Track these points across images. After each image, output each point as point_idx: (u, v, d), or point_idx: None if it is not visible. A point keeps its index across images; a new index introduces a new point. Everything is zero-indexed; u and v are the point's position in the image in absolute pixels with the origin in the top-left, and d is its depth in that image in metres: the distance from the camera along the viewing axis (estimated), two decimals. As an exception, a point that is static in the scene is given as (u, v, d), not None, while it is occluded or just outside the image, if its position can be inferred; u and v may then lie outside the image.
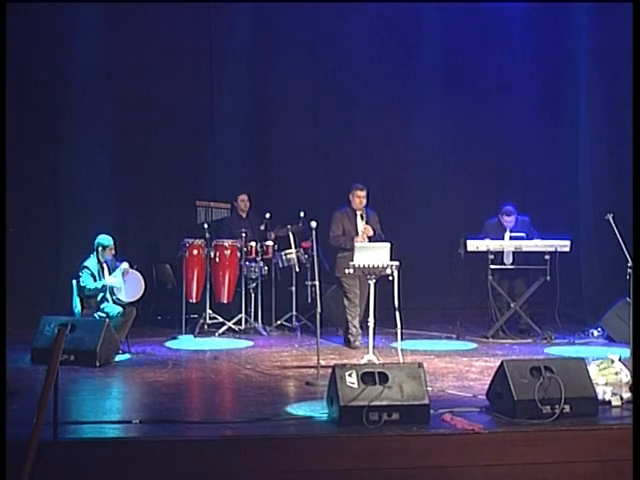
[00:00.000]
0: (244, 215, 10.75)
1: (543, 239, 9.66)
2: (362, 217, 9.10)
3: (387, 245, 7.96)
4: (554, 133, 12.02)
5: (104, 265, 8.81)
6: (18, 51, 10.34)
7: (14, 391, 6.41)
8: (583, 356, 6.93)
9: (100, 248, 8.75)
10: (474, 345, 9.32)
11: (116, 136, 11.20)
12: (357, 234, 9.05)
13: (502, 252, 9.68)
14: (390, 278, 7.65)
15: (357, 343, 9.03)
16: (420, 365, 6.05)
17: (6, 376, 6.27)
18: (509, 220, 9.78)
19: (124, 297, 8.79)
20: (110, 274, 8.82)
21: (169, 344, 9.31)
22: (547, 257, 9.45)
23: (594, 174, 11.27)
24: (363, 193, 9.14)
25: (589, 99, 11.38)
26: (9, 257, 8.08)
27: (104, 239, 8.79)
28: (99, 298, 8.71)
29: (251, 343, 9.45)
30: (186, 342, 9.51)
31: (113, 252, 8.82)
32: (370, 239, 8.99)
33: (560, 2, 11.58)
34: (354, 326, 9.06)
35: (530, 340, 9.55)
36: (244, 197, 10.71)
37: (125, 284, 8.81)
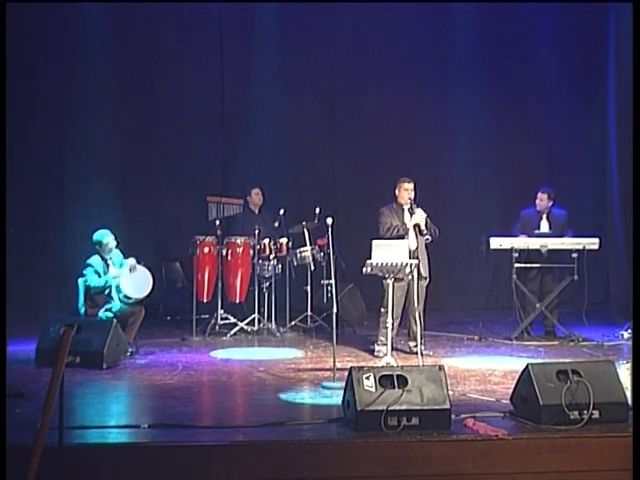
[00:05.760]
0: (257, 211, 10.62)
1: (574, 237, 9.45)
2: (410, 213, 8.32)
3: (406, 242, 7.71)
4: (582, 128, 11.98)
5: (109, 262, 8.64)
6: (23, 46, 10.40)
7: (18, 394, 6.34)
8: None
9: (98, 246, 8.57)
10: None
11: (123, 130, 11.15)
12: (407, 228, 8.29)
13: (528, 249, 9.40)
14: (410, 277, 7.45)
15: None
16: (441, 368, 5.90)
17: (10, 379, 6.18)
18: (541, 198, 9.52)
19: (131, 293, 8.59)
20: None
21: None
22: (575, 255, 9.19)
23: (623, 169, 11.11)
24: (411, 186, 8.38)
25: (618, 89, 11.26)
26: (14, 256, 7.95)
27: (99, 235, 8.59)
28: (105, 293, 8.53)
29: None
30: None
31: (115, 243, 8.59)
32: (420, 231, 8.29)
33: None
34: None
35: (556, 342, 9.29)
36: (257, 190, 10.57)
37: (132, 280, 8.62)
